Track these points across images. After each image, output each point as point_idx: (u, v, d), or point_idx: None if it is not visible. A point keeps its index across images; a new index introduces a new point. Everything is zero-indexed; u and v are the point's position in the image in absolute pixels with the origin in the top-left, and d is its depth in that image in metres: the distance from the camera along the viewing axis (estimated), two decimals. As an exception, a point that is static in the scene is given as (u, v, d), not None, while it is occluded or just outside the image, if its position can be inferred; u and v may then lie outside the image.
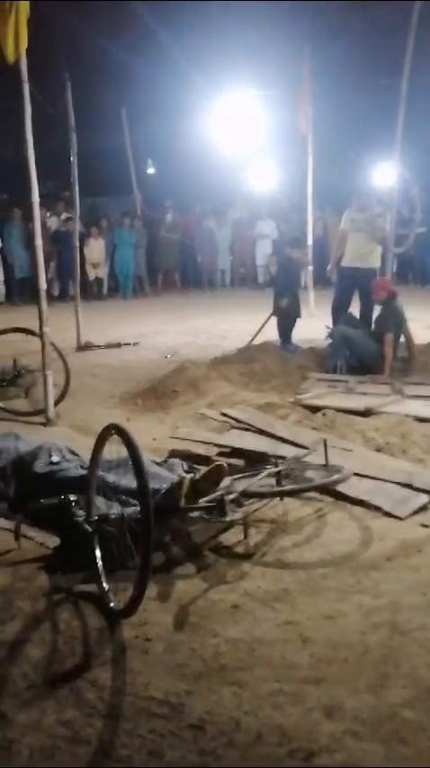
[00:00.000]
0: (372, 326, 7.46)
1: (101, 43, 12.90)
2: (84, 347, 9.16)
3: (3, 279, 14.97)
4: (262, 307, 9.09)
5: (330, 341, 7.39)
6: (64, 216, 14.88)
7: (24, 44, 5.27)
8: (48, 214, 14.75)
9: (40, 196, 5.79)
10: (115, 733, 2.22)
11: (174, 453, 4.53)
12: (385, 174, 10.30)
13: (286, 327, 8.44)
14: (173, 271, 16.84)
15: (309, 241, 11.50)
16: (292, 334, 8.43)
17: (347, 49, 12.76)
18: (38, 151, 5.56)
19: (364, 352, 7.07)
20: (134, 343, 9.53)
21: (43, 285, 5.77)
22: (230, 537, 3.56)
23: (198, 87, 13.33)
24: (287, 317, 8.44)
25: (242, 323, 10.15)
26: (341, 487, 3.94)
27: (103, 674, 2.52)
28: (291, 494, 3.88)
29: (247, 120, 13.19)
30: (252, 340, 8.37)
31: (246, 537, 3.49)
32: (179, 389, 6.40)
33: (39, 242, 5.76)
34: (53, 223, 15.06)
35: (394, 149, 8.80)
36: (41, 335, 5.75)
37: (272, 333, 8.48)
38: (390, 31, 9.83)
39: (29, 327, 6.25)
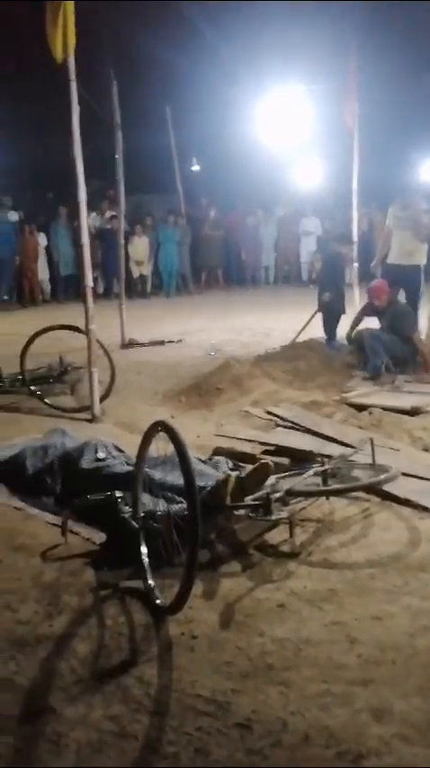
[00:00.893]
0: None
1: (146, 41, 12.95)
2: (128, 344, 9.22)
3: (49, 276, 15.16)
4: (306, 304, 9.04)
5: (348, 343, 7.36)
6: (108, 214, 14.98)
7: (72, 44, 5.31)
8: (94, 214, 14.85)
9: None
10: (162, 730, 2.23)
11: (218, 451, 4.52)
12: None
13: (331, 324, 8.38)
14: (216, 268, 16.84)
15: (354, 238, 11.38)
16: (337, 331, 8.36)
17: (394, 43, 12.59)
18: (84, 150, 5.60)
19: (394, 353, 6.96)
20: (178, 341, 9.56)
21: (89, 283, 5.82)
22: (276, 536, 3.54)
23: (243, 83, 13.30)
24: (331, 314, 8.38)
25: (286, 320, 10.11)
26: (388, 487, 3.88)
27: (149, 670, 2.53)
28: (337, 493, 3.85)
29: (293, 116, 13.10)
30: (296, 337, 8.33)
31: (291, 536, 3.47)
32: (223, 387, 6.40)
33: (85, 240, 5.80)
34: (97, 221, 15.18)
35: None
36: (87, 333, 5.80)
37: (316, 330, 8.42)
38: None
39: (74, 324, 6.32)
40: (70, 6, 5.29)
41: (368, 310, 7.57)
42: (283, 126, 13.37)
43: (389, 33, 12.37)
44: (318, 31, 12.13)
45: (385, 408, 5.49)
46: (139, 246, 15.28)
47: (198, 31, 12.92)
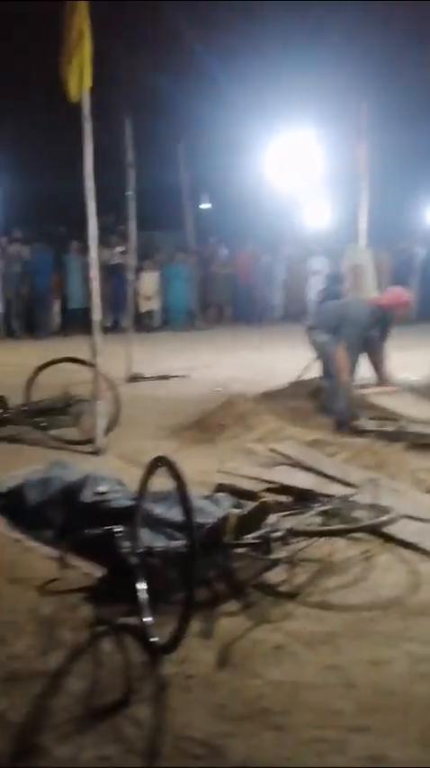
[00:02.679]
0: None
1: (160, 82, 13.24)
2: (134, 378, 9.25)
3: (59, 309, 15.31)
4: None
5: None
6: (118, 249, 15.16)
7: (88, 82, 5.43)
8: (105, 249, 15.04)
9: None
10: (153, 772, 2.19)
11: (220, 487, 4.50)
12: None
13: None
14: (224, 305, 16.96)
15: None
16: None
17: (403, 87, 12.84)
18: (95, 185, 5.69)
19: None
20: (183, 376, 9.58)
21: (97, 316, 5.87)
22: (275, 575, 3.50)
23: (255, 125, 13.55)
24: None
25: (292, 358, 10.09)
26: (390, 529, 3.85)
27: (143, 710, 2.49)
28: (338, 533, 3.81)
29: (302, 158, 13.31)
30: (301, 375, 8.33)
31: (291, 576, 3.44)
32: (227, 423, 6.38)
33: (94, 274, 5.86)
34: (108, 256, 15.35)
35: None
36: (94, 366, 5.82)
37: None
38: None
39: (81, 357, 6.35)
40: (87, 44, 5.41)
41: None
42: (293, 167, 13.58)
43: (398, 77, 12.62)
44: (329, 75, 12.39)
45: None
46: (148, 281, 15.44)
47: (211, 74, 13.21)
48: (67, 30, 5.40)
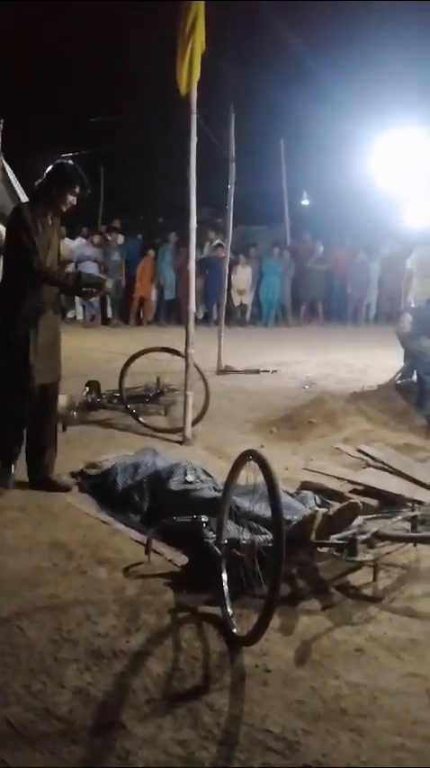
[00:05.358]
0: None
1: (265, 78, 13.23)
2: (224, 371, 9.30)
3: (155, 299, 15.58)
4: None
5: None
6: (215, 242, 15.25)
7: (196, 78, 5.49)
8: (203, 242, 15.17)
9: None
10: (230, 761, 2.21)
11: (305, 485, 4.48)
12: None
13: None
14: (317, 301, 16.80)
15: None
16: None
17: None
18: (197, 178, 5.75)
19: None
20: (273, 371, 9.56)
21: (193, 308, 5.94)
22: (358, 578, 3.47)
23: (360, 122, 13.35)
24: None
25: (385, 359, 9.93)
26: None
27: (220, 698, 2.52)
28: (426, 540, 3.73)
29: (410, 156, 13.01)
30: (394, 377, 8.17)
31: (375, 579, 3.39)
32: (315, 421, 6.34)
33: (192, 266, 5.94)
34: (205, 249, 15.47)
35: None
36: (186, 356, 5.90)
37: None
38: None
39: (174, 348, 6.44)
40: (199, 41, 5.47)
41: None
42: (400, 165, 13.29)
43: None
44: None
45: None
46: (242, 276, 15.46)
47: (314, 70, 13.10)
48: (180, 26, 5.48)
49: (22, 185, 12.58)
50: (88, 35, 14.57)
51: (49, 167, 4.43)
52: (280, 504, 2.70)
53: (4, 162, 12.05)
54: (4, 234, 4.76)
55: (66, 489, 4.51)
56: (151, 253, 15.13)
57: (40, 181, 4.44)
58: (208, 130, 6.21)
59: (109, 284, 4.84)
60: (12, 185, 12.17)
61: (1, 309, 4.39)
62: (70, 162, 4.52)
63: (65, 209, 4.43)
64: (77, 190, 4.39)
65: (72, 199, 4.40)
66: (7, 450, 4.52)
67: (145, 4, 11.49)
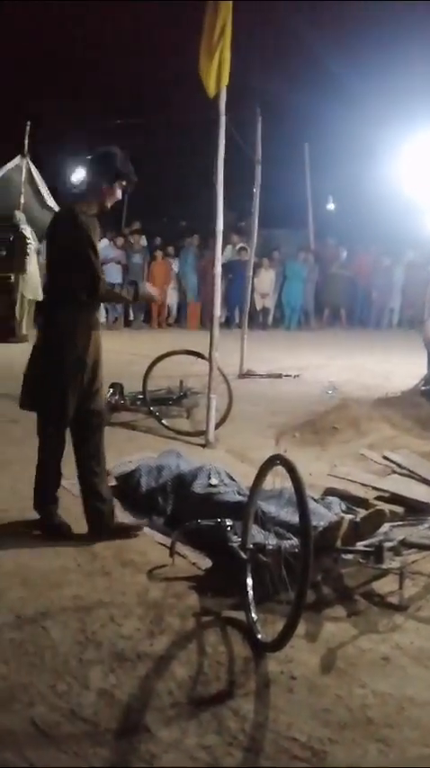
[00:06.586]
0: None
1: (290, 81, 13.21)
2: (246, 375, 9.28)
3: (177, 302, 15.60)
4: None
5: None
6: (238, 246, 15.24)
7: (226, 80, 5.49)
8: (228, 246, 15.16)
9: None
10: (255, 768, 2.19)
11: (329, 491, 4.45)
12: None
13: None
14: (340, 306, 16.74)
15: None
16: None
17: None
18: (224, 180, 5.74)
19: None
20: (295, 376, 9.52)
21: (217, 311, 5.93)
22: (384, 585, 3.43)
23: (387, 127, 13.27)
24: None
25: (408, 365, 9.85)
26: None
27: (245, 704, 2.50)
28: (452, 549, 3.69)
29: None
30: (419, 384, 8.10)
31: (401, 587, 3.35)
32: (339, 427, 6.31)
33: (218, 269, 5.93)
34: (228, 252, 15.47)
35: None
36: (210, 360, 5.89)
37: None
38: None
39: (198, 351, 6.43)
40: (228, 43, 5.46)
41: None
42: (426, 172, 13.17)
43: None
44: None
45: None
46: (265, 279, 15.44)
47: (340, 75, 13.06)
48: (208, 28, 5.46)
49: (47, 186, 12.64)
50: (113, 37, 14.65)
51: (92, 158, 3.92)
52: (308, 510, 2.69)
53: (31, 163, 12.19)
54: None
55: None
56: (159, 254, 15.11)
57: (85, 178, 4.08)
58: (234, 132, 6.19)
59: (154, 292, 4.49)
60: (37, 186, 12.29)
61: (55, 323, 3.77)
62: (116, 149, 3.85)
63: (110, 206, 3.86)
64: (125, 183, 3.83)
65: (119, 193, 3.84)
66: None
67: (175, 4, 11.52)
